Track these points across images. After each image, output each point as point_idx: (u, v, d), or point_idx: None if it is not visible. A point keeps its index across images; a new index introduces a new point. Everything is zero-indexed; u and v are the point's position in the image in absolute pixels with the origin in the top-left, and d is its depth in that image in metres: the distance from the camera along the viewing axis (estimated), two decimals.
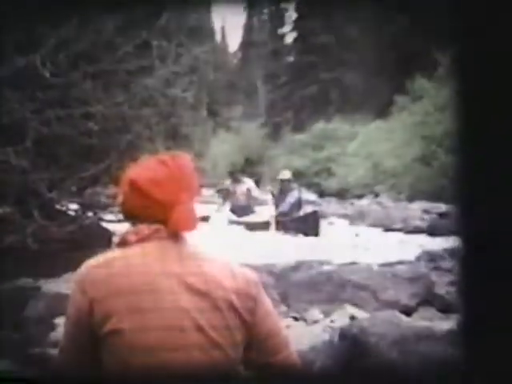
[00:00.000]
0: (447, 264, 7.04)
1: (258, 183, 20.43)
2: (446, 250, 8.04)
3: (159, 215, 1.59)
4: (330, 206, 20.76)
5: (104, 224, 8.97)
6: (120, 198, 1.69)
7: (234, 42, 64.19)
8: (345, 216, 17.17)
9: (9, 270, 5.65)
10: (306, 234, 12.20)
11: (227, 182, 16.46)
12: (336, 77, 38.27)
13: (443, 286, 5.83)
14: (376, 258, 8.03)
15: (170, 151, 1.71)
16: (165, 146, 8.61)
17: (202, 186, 2.01)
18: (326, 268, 6.17)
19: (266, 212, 13.84)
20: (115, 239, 1.65)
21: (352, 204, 21.26)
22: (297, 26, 43.29)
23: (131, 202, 1.64)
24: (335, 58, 38.78)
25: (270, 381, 1.70)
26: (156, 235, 1.59)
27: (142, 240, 1.59)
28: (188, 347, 1.51)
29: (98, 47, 7.07)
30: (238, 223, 13.60)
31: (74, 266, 1.70)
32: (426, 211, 16.18)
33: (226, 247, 7.84)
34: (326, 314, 5.06)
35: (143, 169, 1.63)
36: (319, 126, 32.36)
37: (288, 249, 10.13)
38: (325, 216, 15.83)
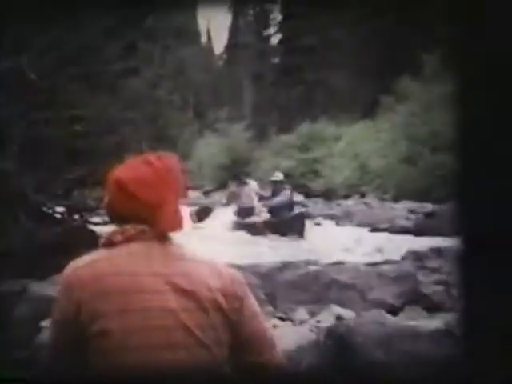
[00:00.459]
0: (433, 263, 7.07)
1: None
2: (431, 249, 8.08)
3: (145, 216, 1.58)
4: (317, 206, 20.84)
5: (91, 226, 8.92)
6: (106, 199, 1.67)
7: (219, 43, 64.22)
8: (332, 216, 17.26)
9: None
10: (292, 235, 12.25)
11: (232, 185, 16.53)
12: (321, 78, 38.33)
13: (429, 285, 5.85)
14: (362, 257, 8.07)
15: (156, 152, 1.69)
16: (151, 148, 8.60)
17: (188, 188, 2.01)
18: (312, 268, 6.17)
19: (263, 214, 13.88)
20: (100, 239, 1.64)
21: (339, 205, 21.35)
22: (282, 27, 43.40)
23: (117, 202, 1.62)
24: (320, 59, 38.86)
25: (256, 380, 1.70)
26: (142, 236, 1.59)
27: (127, 240, 1.58)
28: (174, 347, 1.51)
29: (84, 49, 7.05)
30: (244, 225, 13.63)
31: (60, 268, 1.68)
32: (411, 211, 16.29)
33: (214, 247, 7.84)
34: (313, 314, 5.07)
35: (129, 169, 1.62)
36: (305, 126, 32.40)
37: (275, 249, 10.17)
38: (312, 217, 15.90)
